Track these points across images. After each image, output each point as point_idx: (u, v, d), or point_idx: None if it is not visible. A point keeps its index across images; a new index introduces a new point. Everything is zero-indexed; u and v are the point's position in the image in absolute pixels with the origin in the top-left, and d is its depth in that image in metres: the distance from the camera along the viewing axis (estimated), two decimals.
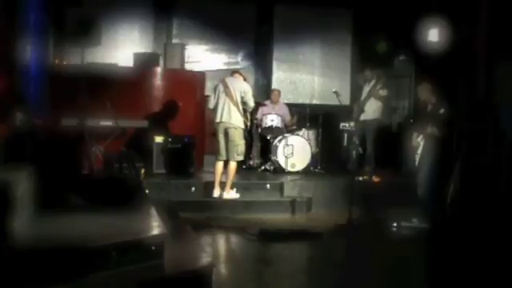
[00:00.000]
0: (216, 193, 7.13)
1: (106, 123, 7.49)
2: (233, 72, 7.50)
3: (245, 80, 7.37)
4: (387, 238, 6.17)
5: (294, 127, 9.19)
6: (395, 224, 6.44)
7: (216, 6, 10.31)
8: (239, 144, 7.14)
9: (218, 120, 7.13)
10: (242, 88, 7.14)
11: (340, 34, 11.20)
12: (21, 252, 3.27)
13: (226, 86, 7.11)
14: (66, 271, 3.30)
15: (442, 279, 4.65)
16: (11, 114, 5.38)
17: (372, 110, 8.50)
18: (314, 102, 11.03)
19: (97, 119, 7.28)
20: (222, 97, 7.09)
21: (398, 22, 9.47)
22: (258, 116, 9.08)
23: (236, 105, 7.06)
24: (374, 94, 8.41)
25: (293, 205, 7.26)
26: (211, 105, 7.25)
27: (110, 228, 3.99)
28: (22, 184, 3.90)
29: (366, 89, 8.63)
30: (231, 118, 7.05)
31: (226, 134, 7.11)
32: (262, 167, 8.94)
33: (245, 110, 7.27)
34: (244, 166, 8.73)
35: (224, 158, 7.16)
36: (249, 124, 7.60)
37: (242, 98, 7.10)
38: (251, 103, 7.27)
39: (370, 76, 8.78)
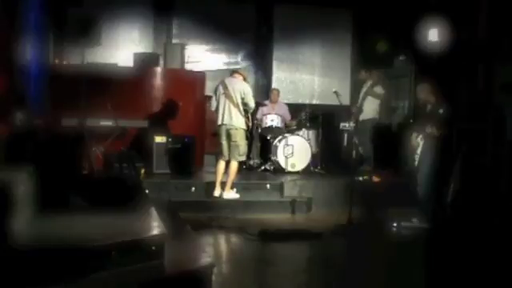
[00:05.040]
0: (217, 192, 7.13)
1: (106, 123, 7.49)
2: (233, 71, 7.46)
3: (245, 79, 7.33)
4: (387, 238, 6.17)
5: (294, 127, 9.19)
6: (395, 224, 6.44)
7: (216, 6, 10.33)
8: (241, 144, 7.14)
9: (219, 122, 7.12)
10: (242, 89, 7.12)
11: (340, 34, 11.21)
12: (21, 252, 3.27)
13: (225, 88, 7.08)
14: (66, 271, 3.30)
15: (442, 279, 4.65)
16: (11, 113, 5.38)
17: (370, 109, 8.63)
18: (314, 102, 11.04)
19: (97, 119, 7.29)
20: (222, 99, 7.07)
21: (398, 21, 9.47)
22: (258, 116, 9.08)
23: (236, 106, 7.04)
24: (370, 93, 8.56)
25: (293, 205, 7.26)
26: (213, 107, 7.26)
27: (110, 228, 3.98)
28: (22, 184, 3.90)
29: (363, 90, 8.75)
30: (232, 120, 7.04)
31: (228, 136, 7.11)
32: (262, 167, 8.94)
33: (246, 111, 7.26)
34: (244, 166, 8.73)
35: (226, 158, 7.16)
36: (250, 124, 7.60)
37: (242, 99, 7.08)
38: (252, 104, 7.24)
39: (364, 77, 8.88)
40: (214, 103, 7.22)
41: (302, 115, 9.21)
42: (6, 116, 5.29)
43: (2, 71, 5.66)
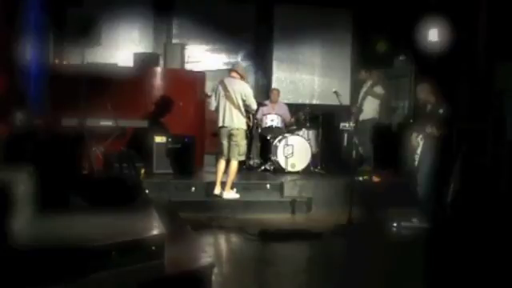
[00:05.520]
0: (217, 190, 7.13)
1: (106, 123, 7.49)
2: (230, 70, 7.36)
3: (242, 77, 7.25)
4: (387, 238, 6.17)
5: (294, 127, 9.19)
6: (395, 224, 6.44)
7: (216, 6, 10.34)
8: (241, 144, 7.15)
9: (220, 124, 7.10)
10: (243, 91, 7.09)
11: (340, 34, 11.21)
12: (21, 252, 3.27)
13: (225, 90, 7.04)
14: (66, 271, 3.30)
15: (442, 279, 4.65)
16: (11, 113, 5.38)
17: (370, 109, 8.66)
18: (314, 102, 11.04)
19: (97, 119, 7.28)
20: (223, 100, 7.04)
21: (398, 21, 9.48)
22: (258, 116, 9.06)
23: (238, 108, 7.03)
24: (370, 93, 8.59)
25: (293, 205, 7.26)
26: (212, 107, 7.23)
27: (110, 228, 3.99)
28: (22, 184, 3.90)
29: (363, 90, 8.77)
30: (233, 122, 7.04)
31: (229, 136, 7.10)
32: (262, 167, 8.93)
33: (247, 111, 7.25)
34: (244, 166, 8.72)
35: (226, 157, 7.16)
36: (251, 124, 7.58)
37: (243, 100, 7.07)
38: (254, 106, 7.27)
39: (364, 77, 8.91)
40: (213, 103, 7.20)
41: (301, 114, 9.21)
42: (6, 116, 5.29)
43: (2, 71, 5.66)
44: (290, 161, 8.56)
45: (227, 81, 7.17)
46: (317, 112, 9.37)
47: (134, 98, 8.28)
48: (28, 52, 6.20)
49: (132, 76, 8.39)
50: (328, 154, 9.29)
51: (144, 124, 7.99)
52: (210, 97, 7.47)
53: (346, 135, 9.19)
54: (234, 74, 7.22)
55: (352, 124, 8.59)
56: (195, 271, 3.96)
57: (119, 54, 9.51)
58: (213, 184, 7.20)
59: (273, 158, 8.75)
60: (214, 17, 10.40)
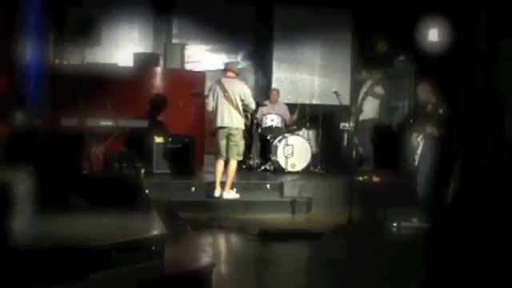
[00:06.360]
0: (217, 192, 7.12)
1: (106, 123, 7.49)
2: (226, 70, 7.31)
3: (237, 75, 7.24)
4: (387, 238, 6.17)
5: (294, 127, 9.19)
6: (395, 224, 6.44)
7: (216, 6, 10.34)
8: (240, 145, 7.15)
9: (219, 125, 7.08)
10: (242, 91, 7.08)
11: (340, 34, 11.22)
12: (21, 252, 3.27)
13: (224, 90, 7.02)
14: (67, 271, 3.30)
15: (442, 279, 4.65)
16: (11, 113, 5.38)
17: (370, 109, 8.65)
18: (314, 102, 11.04)
19: (97, 119, 7.29)
20: (222, 101, 7.02)
21: (398, 21, 9.48)
22: (258, 116, 9.06)
23: (236, 108, 7.03)
24: (370, 93, 8.59)
25: (293, 205, 7.26)
26: (210, 107, 7.20)
27: (109, 228, 3.99)
28: (22, 184, 3.90)
29: (363, 89, 8.77)
30: (233, 123, 7.03)
31: (228, 136, 7.10)
32: (262, 167, 8.93)
33: (245, 111, 7.25)
34: (244, 166, 8.73)
35: (225, 157, 7.15)
36: (249, 123, 7.57)
37: (242, 100, 7.06)
38: (253, 106, 7.26)
39: (365, 77, 8.91)
40: (211, 103, 7.16)
41: (294, 115, 9.23)
42: (6, 116, 5.29)
43: (2, 71, 5.66)
44: (290, 161, 8.56)
45: (225, 81, 7.14)
46: (317, 112, 9.37)
47: (134, 98, 8.29)
48: (28, 52, 6.20)
49: (132, 76, 8.39)
50: (328, 154, 9.29)
51: (144, 124, 7.99)
52: (207, 97, 7.44)
53: (346, 135, 9.20)
54: (230, 74, 7.20)
55: (352, 124, 8.60)
56: (195, 271, 3.96)
57: (119, 54, 9.51)
58: (213, 184, 7.19)
59: (273, 157, 8.75)
60: (214, 17, 10.40)
